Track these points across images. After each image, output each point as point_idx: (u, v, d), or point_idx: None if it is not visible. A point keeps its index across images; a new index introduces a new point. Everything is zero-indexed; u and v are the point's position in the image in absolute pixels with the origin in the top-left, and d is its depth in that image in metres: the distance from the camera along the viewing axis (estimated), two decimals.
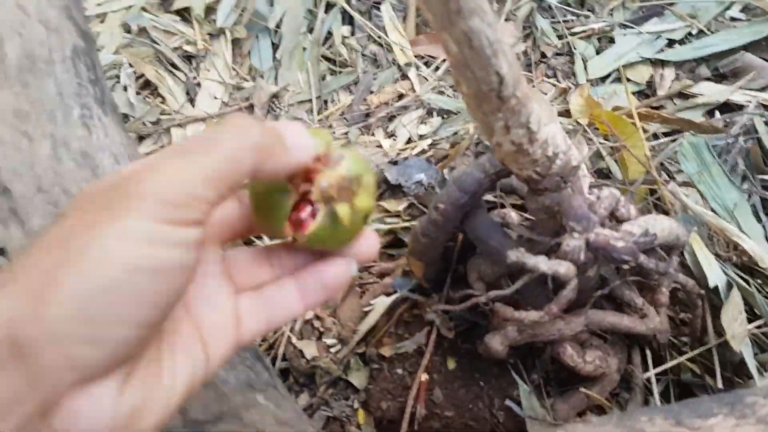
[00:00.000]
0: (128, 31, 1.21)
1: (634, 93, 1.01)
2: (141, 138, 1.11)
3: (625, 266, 0.67)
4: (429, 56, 1.15)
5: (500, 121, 0.47)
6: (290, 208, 0.35)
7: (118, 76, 1.15)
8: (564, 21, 1.09)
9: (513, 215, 0.75)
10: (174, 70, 1.19)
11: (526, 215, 0.79)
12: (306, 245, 0.37)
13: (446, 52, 0.43)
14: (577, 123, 0.95)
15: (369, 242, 0.39)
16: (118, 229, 0.27)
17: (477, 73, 0.43)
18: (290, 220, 0.36)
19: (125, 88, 1.15)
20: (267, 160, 0.32)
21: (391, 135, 1.10)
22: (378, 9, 1.19)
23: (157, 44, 1.19)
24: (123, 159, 0.73)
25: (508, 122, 0.48)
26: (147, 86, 1.18)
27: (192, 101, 1.17)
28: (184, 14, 1.23)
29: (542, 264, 0.58)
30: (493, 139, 0.50)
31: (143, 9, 1.23)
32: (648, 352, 0.79)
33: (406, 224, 0.93)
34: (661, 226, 0.69)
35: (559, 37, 1.08)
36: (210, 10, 1.22)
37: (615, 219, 0.70)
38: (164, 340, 0.32)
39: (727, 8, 1.07)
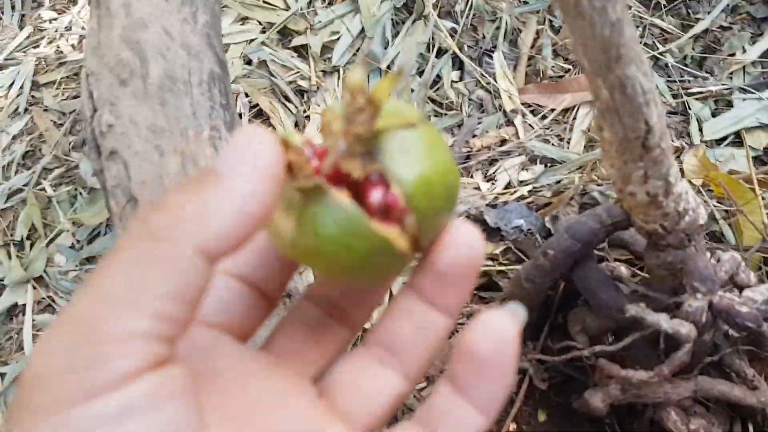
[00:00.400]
0: (248, 62, 1.28)
1: (751, 158, 0.98)
2: None
3: (743, 333, 0.64)
4: (537, 105, 1.15)
5: (640, 170, 0.47)
6: (350, 205, 0.22)
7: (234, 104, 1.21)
8: (680, 80, 1.07)
9: (623, 269, 0.73)
10: (286, 102, 1.24)
11: (634, 270, 0.77)
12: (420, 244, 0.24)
13: (595, 98, 0.43)
14: (691, 183, 0.92)
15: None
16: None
17: (625, 120, 0.43)
18: (372, 212, 0.23)
19: (240, 115, 1.21)
20: (206, 225, 0.21)
21: (490, 179, 1.11)
22: (489, 56, 1.21)
23: (274, 77, 1.25)
24: None
25: (648, 171, 0.47)
26: (260, 115, 1.24)
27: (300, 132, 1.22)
28: (301, 51, 1.30)
29: (664, 322, 0.56)
30: (628, 188, 0.50)
31: (263, 43, 1.30)
32: (750, 426, 0.74)
33: (502, 268, 0.93)
34: None
35: (674, 96, 1.06)
36: (326, 48, 1.28)
37: (734, 284, 0.68)
38: None
39: None
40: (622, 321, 0.65)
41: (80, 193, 1.24)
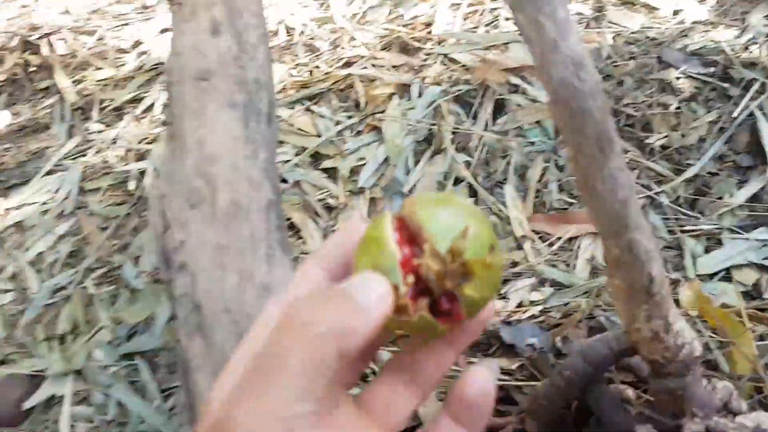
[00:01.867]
0: (284, 181, 1.41)
1: (740, 293, 1.08)
2: None
3: None
4: (545, 233, 1.27)
5: (644, 312, 0.57)
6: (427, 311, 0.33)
7: None
8: (675, 218, 1.20)
9: (630, 392, 0.82)
10: (316, 218, 1.36)
11: (639, 392, 0.86)
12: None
13: (606, 254, 0.54)
14: (688, 315, 1.02)
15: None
16: None
17: (632, 273, 0.54)
18: (441, 319, 0.33)
19: None
20: (348, 336, 0.30)
21: (503, 297, 1.20)
22: (500, 187, 1.34)
23: (306, 195, 1.38)
24: None
25: (651, 313, 0.57)
26: (291, 228, 1.35)
27: None
28: (330, 172, 1.43)
29: None
30: (635, 325, 0.60)
31: (297, 165, 1.44)
32: None
33: (518, 383, 1.00)
34: None
35: (670, 232, 1.18)
36: (353, 171, 1.42)
37: (727, 411, 0.76)
38: None
39: None
40: None
41: (121, 293, 1.33)
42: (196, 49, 0.93)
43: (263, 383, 0.29)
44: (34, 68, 2.03)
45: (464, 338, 0.36)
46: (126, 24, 2.05)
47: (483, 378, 0.34)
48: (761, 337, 1.00)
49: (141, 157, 1.59)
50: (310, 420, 0.28)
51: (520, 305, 1.18)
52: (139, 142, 1.63)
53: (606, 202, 0.50)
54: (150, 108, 1.71)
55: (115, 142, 1.67)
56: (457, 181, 1.37)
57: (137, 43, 1.96)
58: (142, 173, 1.54)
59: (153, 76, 1.81)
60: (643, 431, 0.65)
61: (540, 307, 1.15)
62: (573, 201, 1.29)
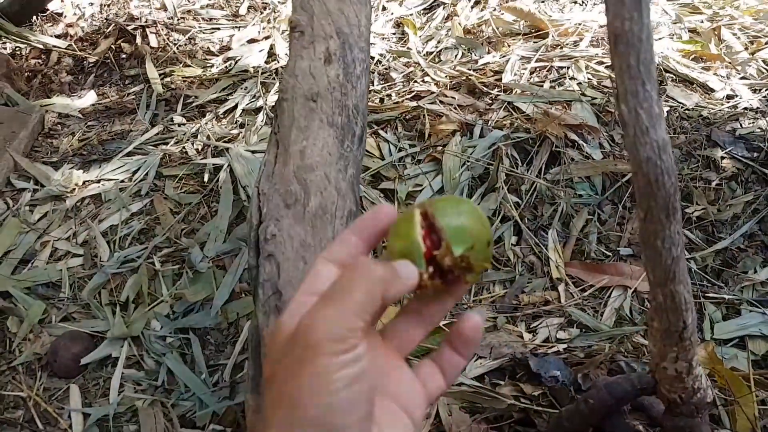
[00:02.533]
0: None
1: (751, 360, 1.19)
2: None
3: None
4: (579, 278, 1.38)
5: (673, 353, 0.69)
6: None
7: None
8: (700, 284, 1.31)
9: (641, 428, 0.93)
10: None
11: (649, 430, 0.96)
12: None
13: (653, 299, 0.66)
14: None
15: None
16: (312, 373, 0.39)
17: (671, 318, 0.66)
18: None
19: None
20: (390, 290, 0.42)
21: (532, 331, 1.32)
22: (544, 231, 1.46)
23: (364, 209, 1.51)
24: None
25: (678, 355, 0.69)
26: None
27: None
28: (388, 194, 1.57)
29: None
30: (662, 364, 0.71)
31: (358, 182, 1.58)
32: None
33: (539, 408, 1.11)
34: None
35: (694, 297, 1.29)
36: (410, 195, 1.55)
37: None
38: (380, 422, 0.43)
39: None
40: None
41: (186, 272, 1.47)
42: (310, 73, 1.07)
43: (338, 302, 0.41)
44: (126, 56, 2.20)
45: (461, 290, 0.49)
46: (217, 28, 2.23)
47: (474, 318, 0.47)
48: (763, 402, 1.10)
49: (218, 153, 1.74)
50: (360, 333, 0.40)
51: (547, 340, 1.29)
52: (218, 140, 1.78)
53: (662, 256, 0.62)
54: (232, 110, 1.87)
55: (195, 136, 1.82)
56: (505, 219, 1.50)
57: (225, 48, 2.12)
58: (218, 168, 1.68)
59: (237, 81, 1.96)
60: None
61: (565, 345, 1.26)
62: (609, 254, 1.40)
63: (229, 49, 2.11)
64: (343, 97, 1.09)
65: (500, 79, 1.78)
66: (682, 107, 1.61)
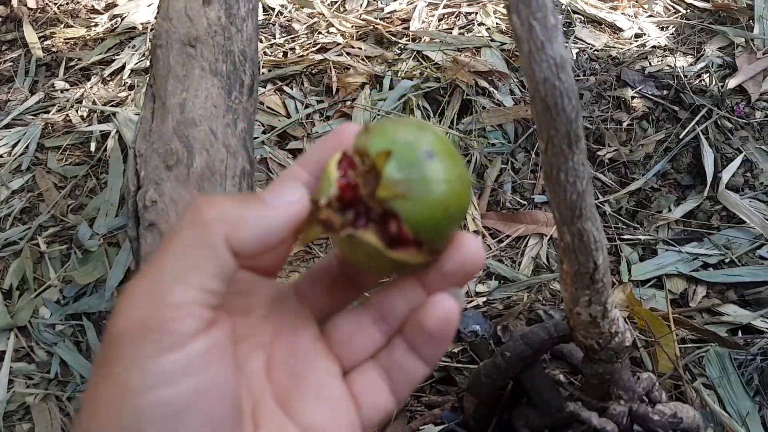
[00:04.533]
0: None
1: (669, 300, 1.17)
2: None
3: None
4: (496, 229, 1.34)
5: (586, 297, 0.64)
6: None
7: None
8: (615, 227, 1.29)
9: (562, 377, 0.89)
10: None
11: (570, 379, 0.93)
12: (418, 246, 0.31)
13: (560, 240, 0.60)
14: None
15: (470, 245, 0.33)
16: (112, 375, 0.27)
17: (580, 258, 0.60)
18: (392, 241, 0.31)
19: None
20: (239, 229, 0.29)
21: None
22: None
23: (270, 173, 1.41)
24: None
25: (591, 298, 0.64)
26: None
27: None
28: (296, 153, 1.47)
29: (594, 419, 0.71)
30: (576, 309, 0.66)
31: (263, 143, 1.47)
32: None
33: (459, 365, 1.07)
34: (687, 414, 0.82)
35: (610, 239, 1.27)
36: None
37: (649, 400, 0.84)
38: None
39: (758, 247, 1.25)
40: (561, 419, 0.80)
41: (74, 253, 1.33)
42: (187, 15, 0.95)
43: (153, 269, 0.28)
44: (1, 19, 1.98)
45: (438, 280, 0.32)
46: None
47: (445, 307, 0.31)
48: (683, 341, 1.09)
49: (105, 119, 1.58)
50: (197, 310, 0.27)
51: (467, 295, 1.24)
52: (105, 104, 1.62)
53: (566, 191, 0.56)
54: (119, 71, 1.71)
55: (79, 102, 1.65)
56: None
57: (111, 5, 1.94)
58: (105, 136, 1.54)
59: (124, 39, 1.79)
60: (572, 407, 0.71)
61: (484, 298, 1.22)
62: (524, 202, 1.36)
63: (115, 5, 1.93)
64: (227, 41, 0.98)
65: (408, 28, 1.70)
66: (591, 48, 1.58)
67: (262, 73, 1.64)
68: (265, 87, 1.61)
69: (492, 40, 1.60)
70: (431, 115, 1.49)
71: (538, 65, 0.48)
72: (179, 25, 0.97)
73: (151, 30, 1.79)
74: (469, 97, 1.49)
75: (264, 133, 1.50)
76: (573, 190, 0.55)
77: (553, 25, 0.49)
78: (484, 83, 1.50)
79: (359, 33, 1.71)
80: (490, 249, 1.32)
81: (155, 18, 1.01)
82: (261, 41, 1.73)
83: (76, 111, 1.64)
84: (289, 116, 1.54)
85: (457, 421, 0.96)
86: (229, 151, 0.92)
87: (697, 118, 1.39)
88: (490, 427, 0.93)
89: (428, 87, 1.51)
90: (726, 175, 1.32)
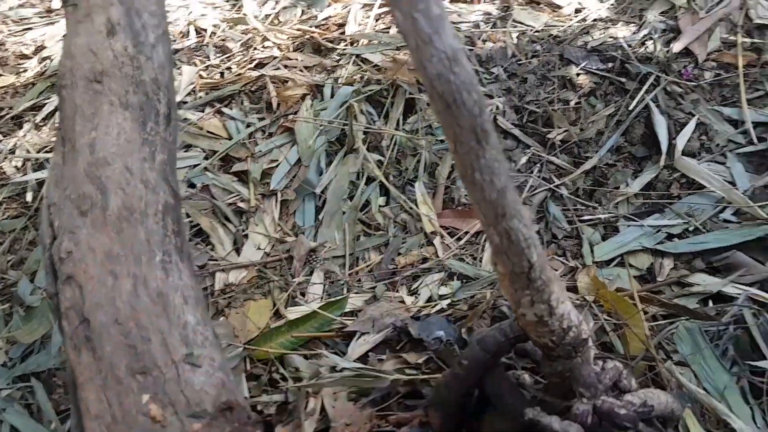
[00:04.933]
0: (191, 186, 1.38)
1: (635, 277, 1.13)
2: None
3: None
4: (453, 228, 1.29)
5: (527, 297, 0.59)
6: None
7: None
8: (574, 209, 1.25)
9: (526, 377, 0.84)
10: (226, 223, 1.34)
11: (537, 378, 0.88)
12: None
13: (490, 242, 0.56)
14: (584, 299, 1.06)
15: None
16: None
17: (512, 259, 0.55)
18: None
19: None
20: None
21: (414, 292, 1.22)
22: (412, 185, 1.36)
23: (215, 199, 1.36)
24: (190, 300, 0.84)
25: (533, 298, 0.59)
26: (200, 234, 1.32)
27: (238, 250, 1.31)
28: (241, 176, 1.41)
29: (555, 424, 0.66)
30: (519, 310, 0.62)
31: (206, 169, 1.41)
32: None
33: (425, 377, 1.02)
34: (659, 400, 0.78)
35: (569, 222, 1.23)
36: (265, 174, 1.40)
37: (618, 389, 0.79)
38: None
39: (721, 211, 1.21)
40: (526, 424, 0.75)
41: (17, 311, 1.27)
42: (90, 50, 0.89)
43: None
44: None
45: None
46: (29, 29, 1.96)
47: None
48: (654, 318, 1.05)
49: (40, 166, 1.52)
50: None
51: (430, 299, 1.19)
52: (39, 151, 1.56)
53: (485, 191, 0.51)
54: (51, 115, 1.64)
55: (13, 153, 1.59)
56: (370, 180, 1.38)
57: (40, 48, 1.88)
58: (41, 184, 1.47)
59: (55, 82, 1.73)
60: (531, 413, 0.67)
61: (448, 301, 1.17)
62: None
63: (44, 47, 1.87)
64: (137, 71, 0.92)
65: (344, 32, 1.65)
66: (531, 30, 1.54)
67: (200, 97, 1.58)
68: (203, 111, 1.56)
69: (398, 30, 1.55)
70: (376, 119, 1.44)
71: (429, 61, 0.44)
72: (83, 60, 0.91)
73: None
74: (412, 95, 1.45)
75: (206, 158, 1.45)
76: (491, 189, 0.51)
77: (438, 15, 0.45)
78: None
79: (296, 44, 1.66)
80: (450, 248, 1.27)
81: (60, 58, 0.95)
82: (195, 64, 1.68)
83: (10, 162, 1.57)
84: (230, 138, 1.48)
85: None
86: (147, 187, 0.86)
87: (645, 87, 1.36)
88: None
89: (370, 90, 1.47)
90: (681, 141, 1.29)
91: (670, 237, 1.19)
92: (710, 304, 1.07)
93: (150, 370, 0.78)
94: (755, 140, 1.28)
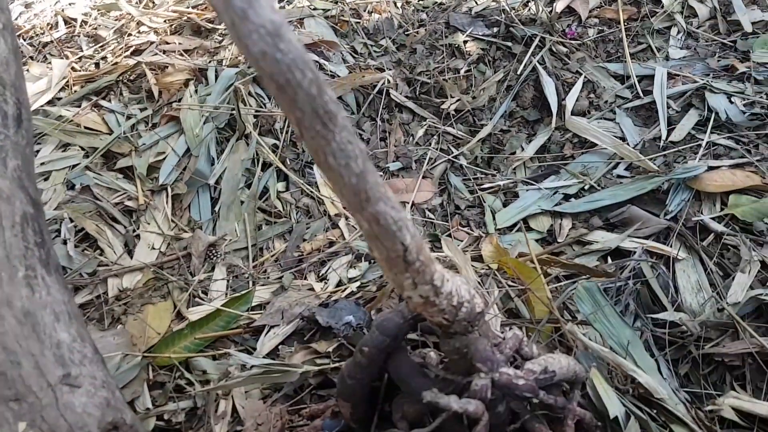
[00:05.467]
0: (71, 187, 1.28)
1: (537, 240, 1.14)
2: (77, 289, 1.14)
3: (525, 403, 0.75)
4: None
5: (408, 279, 0.56)
6: None
7: (58, 231, 1.21)
8: (474, 178, 1.24)
9: (432, 355, 0.83)
10: (114, 224, 1.25)
11: (442, 355, 0.87)
12: None
13: (360, 227, 0.52)
14: (489, 268, 1.06)
15: None
16: None
17: (385, 244, 0.52)
18: None
19: (65, 242, 1.19)
20: None
21: (322, 278, 1.18)
22: (311, 168, 1.31)
23: (99, 200, 1.26)
24: (63, 316, 0.77)
25: (414, 280, 0.57)
26: (86, 239, 1.23)
27: (130, 252, 1.23)
28: (127, 172, 1.32)
29: (453, 403, 0.65)
30: (404, 293, 0.59)
31: (87, 168, 1.31)
32: None
33: (336, 365, 0.99)
34: (560, 364, 0.77)
35: (471, 192, 1.22)
36: (152, 168, 1.32)
37: (520, 357, 0.79)
38: None
39: (614, 167, 1.24)
40: (432, 405, 0.73)
41: None
42: None
43: None
44: None
45: None
46: None
47: None
48: (558, 279, 1.06)
49: None
50: None
51: (339, 284, 1.16)
52: None
53: (342, 176, 0.47)
54: None
55: None
56: (266, 165, 1.32)
57: None
58: None
59: None
60: (429, 396, 0.65)
61: (357, 283, 1.14)
62: (380, 173, 1.29)
63: None
64: None
65: None
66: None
67: (74, 91, 1.47)
68: (80, 106, 1.44)
69: (314, 9, 1.50)
70: (266, 101, 1.38)
71: (249, 39, 0.39)
72: None
73: None
74: None
75: (86, 156, 1.34)
76: (349, 173, 0.47)
77: None
78: (313, 55, 1.40)
79: (173, 27, 1.56)
80: (355, 230, 1.24)
81: None
82: (67, 57, 1.55)
83: None
84: (111, 132, 1.38)
85: (338, 428, 0.88)
86: (1, 197, 0.78)
87: (531, 50, 1.36)
88: (372, 425, 0.86)
89: (256, 72, 1.40)
90: (570, 101, 1.30)
91: (567, 197, 1.20)
92: (609, 260, 1.09)
93: (24, 397, 0.71)
94: (641, 93, 1.31)
